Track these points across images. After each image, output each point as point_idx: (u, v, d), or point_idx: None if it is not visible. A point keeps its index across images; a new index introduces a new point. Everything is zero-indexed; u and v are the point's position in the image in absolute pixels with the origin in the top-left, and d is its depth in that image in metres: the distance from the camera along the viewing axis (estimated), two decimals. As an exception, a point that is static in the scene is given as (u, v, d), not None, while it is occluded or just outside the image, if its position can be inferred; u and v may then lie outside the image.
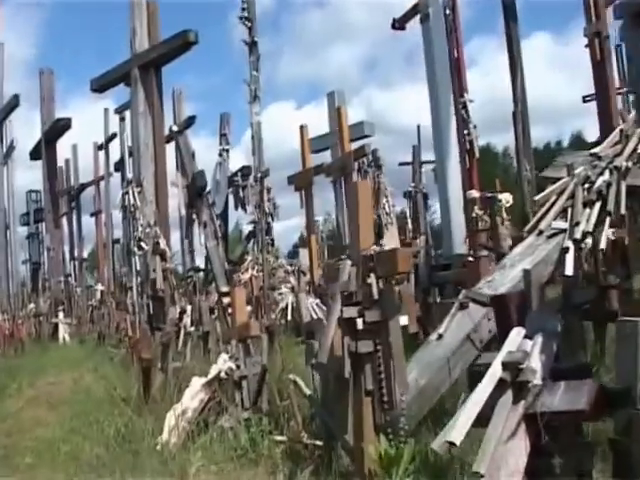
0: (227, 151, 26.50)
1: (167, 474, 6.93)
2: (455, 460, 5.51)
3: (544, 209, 8.00)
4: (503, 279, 7.43)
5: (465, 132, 16.82)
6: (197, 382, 8.58)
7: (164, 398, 9.91)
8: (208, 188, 22.08)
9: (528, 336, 4.80)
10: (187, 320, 13.93)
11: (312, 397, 6.66)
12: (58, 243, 30.84)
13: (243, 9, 17.59)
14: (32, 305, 29.18)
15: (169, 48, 17.82)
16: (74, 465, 7.91)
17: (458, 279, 12.19)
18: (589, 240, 7.33)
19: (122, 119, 29.18)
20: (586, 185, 7.92)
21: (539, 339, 4.73)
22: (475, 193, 14.84)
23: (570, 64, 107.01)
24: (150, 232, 16.21)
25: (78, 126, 39.51)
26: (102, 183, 32.95)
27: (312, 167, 20.62)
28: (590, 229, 7.35)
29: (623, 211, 7.47)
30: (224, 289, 15.42)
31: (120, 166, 28.89)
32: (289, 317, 20.20)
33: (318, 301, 17.03)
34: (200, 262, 24.15)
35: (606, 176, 7.89)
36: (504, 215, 13.56)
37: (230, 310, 14.71)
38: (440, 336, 7.07)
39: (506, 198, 13.19)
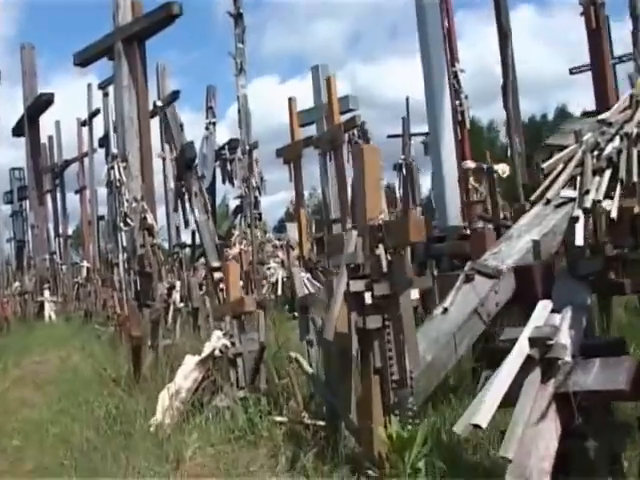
0: (214, 124, 26.19)
1: (162, 457, 6.62)
2: (470, 441, 5.24)
3: (551, 178, 7.69)
4: (510, 250, 7.11)
5: (457, 102, 16.51)
6: (190, 360, 8.26)
7: (155, 377, 9.66)
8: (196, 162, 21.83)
9: (555, 309, 4.49)
10: (176, 296, 13.65)
11: (314, 376, 6.34)
12: (42, 221, 30.77)
13: (229, -20, 17.30)
14: (17, 283, 29.30)
15: (152, 21, 17.58)
16: (64, 448, 7.62)
17: (454, 251, 11.93)
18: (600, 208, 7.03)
19: (106, 94, 28.83)
20: (595, 152, 7.61)
21: (568, 313, 4.40)
22: (470, 164, 14.55)
23: (554, 37, 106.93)
24: (137, 207, 15.91)
25: (61, 103, 39.41)
26: (86, 159, 32.62)
27: (301, 139, 20.35)
28: (601, 197, 7.05)
29: (635, 179, 7.17)
30: (215, 264, 15.11)
31: (104, 142, 28.72)
32: (279, 292, 20.04)
33: (309, 275, 16.79)
34: (186, 238, 23.95)
35: (616, 143, 7.56)
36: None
37: (222, 286, 14.56)
38: (445, 310, 6.74)
39: (502, 169, 12.93)
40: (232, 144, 25.81)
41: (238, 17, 17.74)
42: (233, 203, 30.63)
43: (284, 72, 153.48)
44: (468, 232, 11.92)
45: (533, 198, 7.75)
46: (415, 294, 5.09)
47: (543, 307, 4.52)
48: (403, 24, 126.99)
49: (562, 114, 71.32)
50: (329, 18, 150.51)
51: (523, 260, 6.91)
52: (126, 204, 17.09)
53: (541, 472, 3.84)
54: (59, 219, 34.08)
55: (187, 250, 23.40)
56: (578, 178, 7.43)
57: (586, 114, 9.36)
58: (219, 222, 29.69)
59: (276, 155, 20.76)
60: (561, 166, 7.73)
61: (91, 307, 22.42)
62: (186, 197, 16.07)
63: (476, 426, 3.82)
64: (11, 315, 24.13)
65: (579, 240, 6.88)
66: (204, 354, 8.25)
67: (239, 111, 18.02)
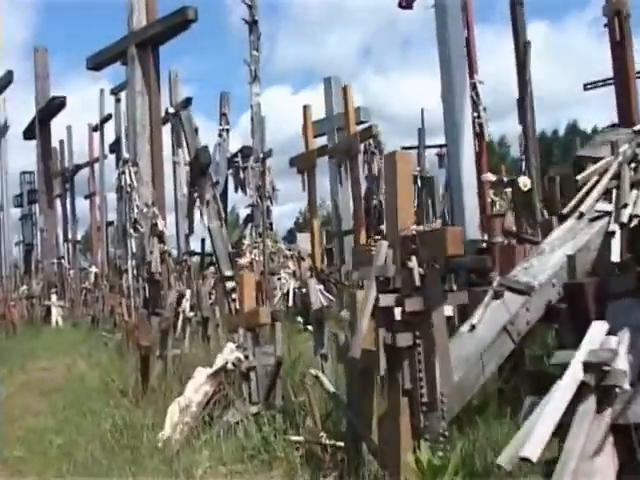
0: (227, 131, 25.97)
1: (170, 474, 6.30)
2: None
3: (584, 190, 7.33)
4: (542, 266, 6.75)
5: (475, 114, 16.27)
6: (201, 373, 7.91)
7: (163, 388, 9.39)
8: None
9: (611, 331, 4.12)
10: (186, 305, 13.33)
11: (336, 395, 5.98)
12: (51, 225, 30.73)
13: (244, -13, 17.13)
14: (24, 287, 29.23)
15: (167, 26, 17.64)
16: (67, 461, 7.30)
17: (475, 266, 11.58)
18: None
19: (118, 100, 28.94)
20: (633, 164, 7.27)
21: (626, 335, 4.03)
22: (491, 176, 14.26)
23: (565, 53, 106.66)
24: (148, 212, 15.70)
25: (73, 108, 39.20)
26: (96, 165, 32.72)
27: (315, 149, 20.14)
28: (639, 212, 6.69)
29: (675, 193, 6.82)
30: (228, 273, 14.79)
31: (115, 147, 28.78)
32: (290, 303, 19.74)
33: (322, 287, 16.50)
34: (195, 246, 23.73)
35: (656, 155, 7.24)
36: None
37: (234, 296, 14.24)
38: (473, 327, 6.38)
39: (524, 182, 12.59)
40: (245, 152, 25.56)
41: (253, 24, 17.52)
42: (243, 212, 30.45)
43: (296, 83, 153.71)
44: (485, 246, 11.60)
45: (566, 211, 7.38)
46: (449, 311, 4.76)
47: (598, 328, 4.16)
48: (415, 37, 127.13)
49: (573, 130, 71.18)
50: (342, 29, 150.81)
51: (557, 276, 6.56)
52: (136, 210, 16.95)
53: (596, 512, 3.48)
54: (68, 224, 34.06)
55: (196, 258, 23.17)
56: (614, 191, 7.08)
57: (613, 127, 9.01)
58: (229, 231, 29.44)
59: (290, 164, 20.57)
60: (595, 178, 7.39)
61: (98, 313, 22.31)
62: (198, 204, 15.77)
63: (525, 459, 3.46)
64: (18, 319, 24.03)
65: (615, 256, 6.53)
66: (216, 367, 7.92)
67: (252, 119, 17.77)
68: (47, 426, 9.01)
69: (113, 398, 9.72)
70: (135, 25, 18.06)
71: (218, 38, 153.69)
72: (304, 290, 18.79)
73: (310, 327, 13.25)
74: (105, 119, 30.99)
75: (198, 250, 22.96)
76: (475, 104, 16.54)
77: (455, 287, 11.33)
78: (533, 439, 3.43)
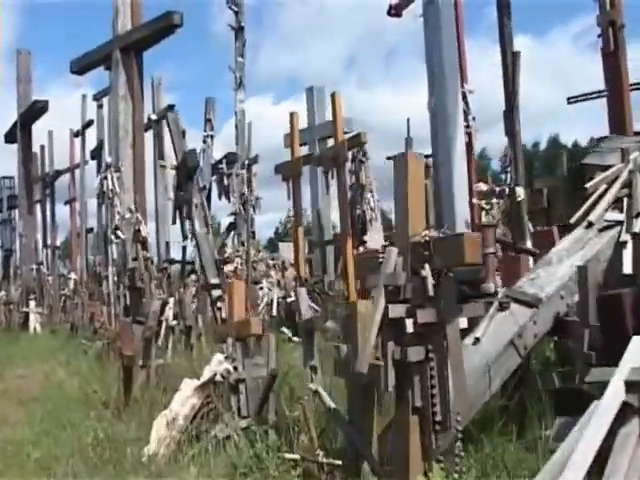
0: (212, 137, 25.57)
1: (157, 493, 5.95)
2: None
3: (592, 199, 7.04)
4: (550, 277, 6.45)
5: (464, 124, 15.98)
6: (188, 385, 7.56)
7: (146, 399, 9.06)
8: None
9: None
10: (169, 313, 12.97)
11: (337, 411, 5.62)
12: (31, 230, 30.46)
13: (231, -7, 16.84)
14: (2, 293, 29.04)
15: (152, 30, 17.46)
16: (46, 475, 6.96)
17: (467, 277, 11.31)
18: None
19: (100, 106, 28.67)
20: (643, 173, 7.00)
21: (669, 352, 3.74)
22: (483, 186, 13.92)
23: (548, 67, 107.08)
24: (131, 218, 15.34)
25: (55, 113, 38.74)
26: (77, 171, 32.38)
27: (301, 156, 19.81)
28: (652, 221, 6.42)
29: (689, 201, 6.55)
30: (214, 281, 14.43)
31: (96, 154, 28.53)
32: (274, 313, 19.43)
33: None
34: (175, 254, 23.37)
35: (668, 162, 6.97)
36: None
37: (219, 304, 13.90)
38: (477, 340, 6.06)
39: (518, 192, 12.26)
40: (230, 158, 25.11)
41: (239, 30, 17.18)
42: (225, 220, 30.08)
43: (278, 93, 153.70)
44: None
45: (573, 220, 7.09)
46: (464, 323, 4.44)
47: (638, 344, 3.84)
48: (399, 49, 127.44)
49: (555, 144, 71.34)
50: (325, 41, 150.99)
51: (566, 288, 6.27)
52: (117, 216, 16.64)
53: None
54: (47, 229, 33.64)
55: (176, 266, 22.80)
56: (625, 200, 6.80)
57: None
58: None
59: (275, 171, 20.15)
60: (604, 187, 7.10)
61: (77, 320, 21.88)
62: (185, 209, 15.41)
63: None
64: (-5, 324, 23.74)
65: (627, 267, 6.25)
66: (203, 379, 7.57)
67: (236, 126, 17.44)
68: (24, 437, 8.67)
69: (94, 409, 9.41)
70: (120, 29, 17.85)
71: (201, 44, 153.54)
72: (288, 300, 18.49)
73: (296, 338, 12.97)
74: (87, 125, 30.67)
75: (178, 258, 22.57)
76: (465, 113, 16.23)
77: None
78: (573, 466, 3.10)
